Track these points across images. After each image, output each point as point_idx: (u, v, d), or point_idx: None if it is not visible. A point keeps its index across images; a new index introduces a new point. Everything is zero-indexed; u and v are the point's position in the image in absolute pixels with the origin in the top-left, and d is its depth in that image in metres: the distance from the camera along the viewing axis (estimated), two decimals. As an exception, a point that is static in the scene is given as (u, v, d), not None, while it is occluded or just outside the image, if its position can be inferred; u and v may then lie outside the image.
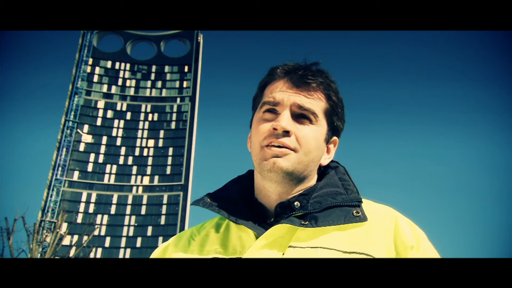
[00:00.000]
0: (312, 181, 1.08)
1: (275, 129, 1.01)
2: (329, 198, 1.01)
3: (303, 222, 0.95)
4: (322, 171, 1.13)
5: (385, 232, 0.97)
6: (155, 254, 1.13)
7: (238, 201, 1.07)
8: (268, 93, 1.08)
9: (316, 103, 1.05)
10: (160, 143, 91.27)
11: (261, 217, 1.03)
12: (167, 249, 1.10)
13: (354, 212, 0.98)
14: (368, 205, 1.03)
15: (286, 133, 1.01)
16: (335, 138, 1.13)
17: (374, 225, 0.98)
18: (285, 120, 1.01)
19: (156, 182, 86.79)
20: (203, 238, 1.07)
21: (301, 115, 1.04)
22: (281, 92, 1.05)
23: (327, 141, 1.10)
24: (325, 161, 1.11)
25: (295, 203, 1.01)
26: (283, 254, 0.93)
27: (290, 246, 0.94)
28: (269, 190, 1.04)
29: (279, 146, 1.01)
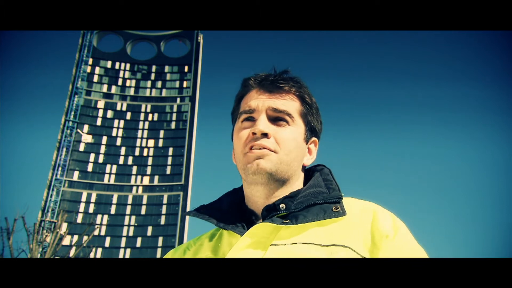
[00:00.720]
0: (297, 182, 1.11)
1: (254, 133, 1.05)
2: (311, 198, 1.04)
3: (284, 221, 0.98)
4: (310, 175, 1.15)
5: (362, 224, 0.99)
6: None
7: (229, 210, 1.10)
8: (243, 104, 1.12)
9: (290, 104, 1.09)
10: (160, 143, 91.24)
11: (250, 223, 1.06)
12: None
13: (333, 208, 1.00)
14: (349, 202, 1.05)
15: (265, 136, 1.04)
16: (314, 138, 1.16)
17: (353, 218, 1.00)
18: (262, 123, 1.05)
19: (156, 182, 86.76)
20: (197, 248, 1.11)
21: (277, 118, 1.08)
22: (255, 100, 1.09)
23: (307, 141, 1.13)
24: (308, 161, 1.14)
25: (281, 205, 1.03)
26: (265, 253, 0.95)
27: (272, 244, 0.96)
28: (256, 195, 1.07)
29: (260, 148, 1.04)
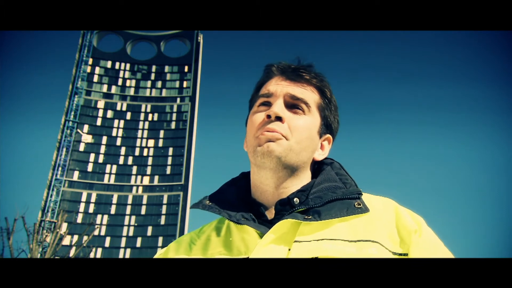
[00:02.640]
0: (306, 175, 1.09)
1: (268, 116, 1.03)
2: (329, 193, 1.01)
3: (306, 217, 0.96)
4: (317, 168, 1.14)
5: (386, 220, 0.98)
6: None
7: (237, 202, 1.07)
8: (263, 89, 1.11)
9: (309, 94, 1.08)
10: (160, 143, 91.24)
11: (261, 216, 1.04)
12: (167, 255, 1.09)
13: (355, 204, 0.99)
14: (368, 198, 1.04)
15: (279, 119, 1.03)
16: (329, 135, 1.14)
17: (376, 214, 0.99)
18: (277, 107, 1.04)
19: (156, 182, 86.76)
20: (205, 242, 1.07)
21: (294, 105, 1.06)
22: (275, 85, 1.08)
23: (320, 135, 1.11)
24: (319, 156, 1.12)
25: (294, 199, 1.02)
26: (289, 249, 0.93)
27: (295, 241, 0.94)
28: (265, 183, 1.05)
29: (272, 132, 1.02)
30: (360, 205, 0.99)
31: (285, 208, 1.01)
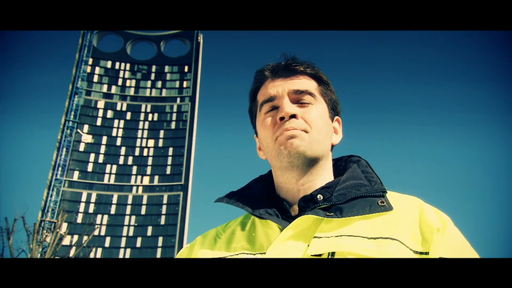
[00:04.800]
0: (328, 164, 1.09)
1: (282, 118, 1.03)
2: (353, 190, 1.01)
3: (328, 213, 0.96)
4: (344, 165, 1.13)
5: (409, 218, 0.96)
6: (183, 253, 1.12)
7: (261, 198, 1.07)
8: (261, 96, 1.10)
9: (309, 83, 1.08)
10: (160, 143, 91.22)
11: (284, 212, 1.03)
12: (194, 248, 1.10)
13: (379, 202, 0.98)
14: (393, 196, 1.02)
15: (294, 117, 1.03)
16: (337, 117, 1.15)
17: (399, 213, 0.97)
18: (287, 106, 1.03)
19: (156, 182, 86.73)
20: (229, 236, 1.07)
21: (300, 99, 1.06)
22: (273, 87, 1.08)
23: (332, 119, 1.12)
24: (336, 139, 1.13)
25: (318, 196, 1.01)
26: (308, 245, 0.93)
27: (315, 237, 0.93)
28: (289, 183, 1.05)
29: (291, 130, 1.02)
30: (383, 203, 0.97)
31: (308, 204, 1.01)
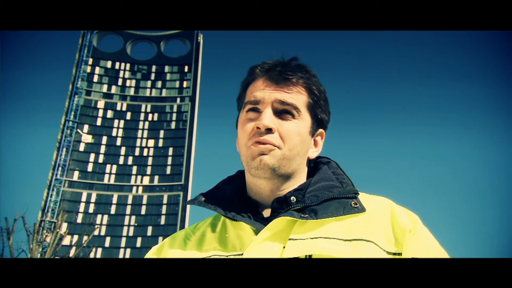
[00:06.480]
0: (302, 175, 1.09)
1: (258, 128, 1.02)
2: (325, 192, 1.02)
3: (302, 215, 0.96)
4: (314, 166, 1.14)
5: (382, 219, 0.98)
6: (151, 254, 1.11)
7: (233, 199, 1.07)
8: (249, 93, 1.09)
9: (297, 97, 1.06)
10: (160, 143, 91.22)
11: (256, 213, 1.04)
12: (162, 250, 1.09)
13: (352, 203, 0.99)
14: (364, 197, 1.04)
15: (269, 131, 1.02)
16: (321, 130, 1.13)
17: (371, 214, 0.99)
18: (267, 118, 1.02)
19: (156, 182, 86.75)
20: (200, 238, 1.06)
21: (283, 111, 1.04)
22: (262, 91, 1.06)
23: (313, 134, 1.10)
24: (313, 154, 1.12)
25: (291, 198, 1.02)
26: (284, 247, 0.93)
27: (290, 239, 0.94)
28: (261, 187, 1.05)
29: (264, 144, 1.01)
30: (356, 204, 0.99)
31: (281, 206, 1.02)
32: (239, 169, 1.18)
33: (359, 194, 1.03)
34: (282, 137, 1.02)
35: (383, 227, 0.97)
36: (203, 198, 1.08)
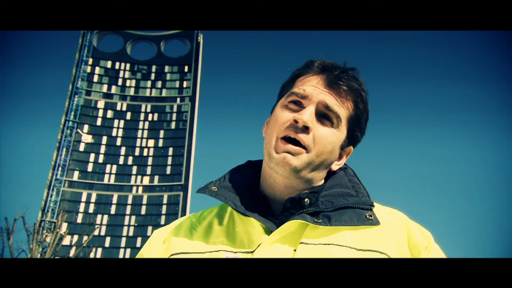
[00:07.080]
0: (320, 181, 1.07)
1: (296, 121, 1.00)
2: (340, 199, 1.00)
3: (316, 220, 0.95)
4: (329, 170, 1.10)
5: (397, 233, 0.98)
6: (153, 242, 1.10)
7: (243, 192, 1.05)
8: (299, 84, 1.06)
9: (343, 107, 1.04)
10: (160, 143, 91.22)
11: (267, 210, 1.02)
12: (166, 238, 1.08)
13: (366, 215, 0.98)
14: (378, 209, 1.03)
15: (306, 129, 0.99)
16: (350, 147, 1.11)
17: (386, 226, 0.98)
18: (308, 115, 0.99)
19: (156, 182, 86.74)
20: (206, 229, 1.04)
21: (325, 115, 1.02)
22: (312, 87, 1.03)
23: (342, 147, 1.08)
24: (335, 166, 1.09)
25: (305, 200, 1.00)
26: (295, 250, 0.92)
27: (301, 243, 0.92)
28: (275, 181, 1.03)
29: (294, 142, 0.99)
30: (371, 216, 0.98)
31: (294, 207, 1.00)
32: (249, 159, 1.16)
33: (374, 206, 1.01)
34: (315, 140, 1.00)
35: (398, 241, 0.96)
36: (215, 188, 1.05)
